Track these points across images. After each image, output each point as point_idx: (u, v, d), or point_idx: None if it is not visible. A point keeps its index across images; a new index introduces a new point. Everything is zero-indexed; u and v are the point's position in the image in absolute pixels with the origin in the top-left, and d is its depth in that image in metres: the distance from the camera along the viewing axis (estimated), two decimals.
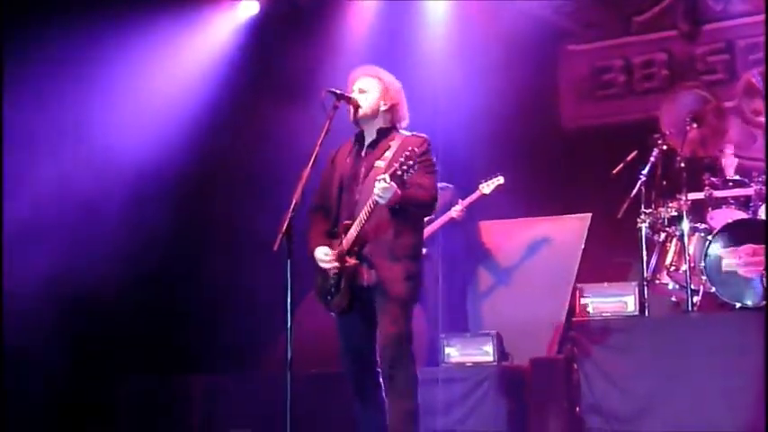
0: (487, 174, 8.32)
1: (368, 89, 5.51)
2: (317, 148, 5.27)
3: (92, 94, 8.16)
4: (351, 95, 5.49)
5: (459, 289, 8.88)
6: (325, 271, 5.42)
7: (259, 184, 8.77)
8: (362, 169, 5.44)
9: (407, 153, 5.09)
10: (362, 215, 5.26)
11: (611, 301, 7.19)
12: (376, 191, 5.12)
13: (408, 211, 5.30)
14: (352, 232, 5.31)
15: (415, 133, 5.50)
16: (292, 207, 5.11)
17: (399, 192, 5.14)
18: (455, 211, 8.25)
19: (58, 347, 7.86)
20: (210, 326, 8.70)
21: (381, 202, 5.15)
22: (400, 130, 5.54)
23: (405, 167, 5.07)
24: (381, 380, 5.38)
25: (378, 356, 5.37)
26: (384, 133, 5.51)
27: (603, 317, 7.11)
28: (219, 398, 8.05)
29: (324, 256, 5.39)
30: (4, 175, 7.72)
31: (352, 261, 5.32)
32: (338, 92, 5.44)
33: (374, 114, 5.51)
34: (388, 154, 5.36)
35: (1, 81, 7.69)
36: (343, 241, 5.35)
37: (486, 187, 8.24)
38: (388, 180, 5.07)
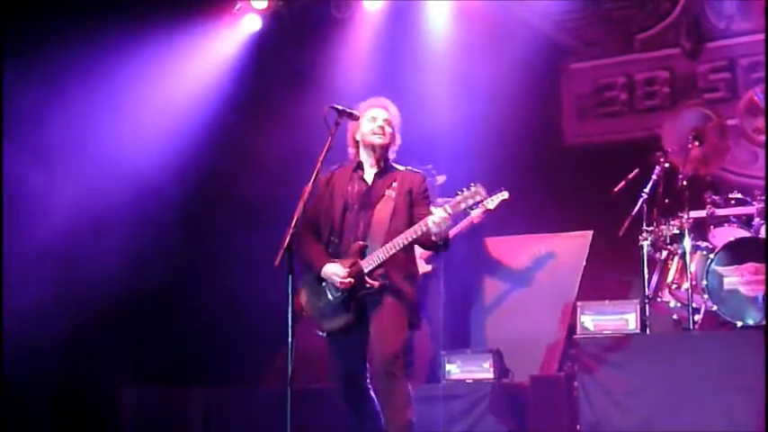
0: (489, 190, 8.29)
1: (391, 122, 5.64)
2: (319, 165, 5.29)
3: (94, 109, 8.17)
4: (354, 111, 5.51)
5: (460, 305, 8.87)
6: (320, 290, 5.46)
7: (261, 200, 8.77)
8: (372, 196, 5.54)
9: (474, 194, 5.25)
10: (400, 242, 5.35)
11: (612, 319, 7.17)
12: (435, 219, 5.23)
13: (441, 248, 5.53)
14: (380, 256, 5.38)
15: (410, 168, 5.67)
16: (293, 223, 5.13)
17: (450, 232, 5.43)
18: (476, 214, 8.21)
19: (59, 360, 7.86)
20: (212, 339, 8.69)
21: (435, 230, 5.26)
22: (397, 166, 5.69)
23: (472, 204, 5.28)
24: (374, 393, 5.47)
25: (371, 371, 5.45)
26: (389, 164, 5.66)
27: (604, 334, 7.10)
28: (220, 411, 8.04)
29: (340, 271, 5.41)
30: (7, 189, 7.74)
31: (375, 284, 5.39)
32: (340, 108, 5.46)
33: (389, 147, 5.66)
34: (396, 184, 5.53)
35: (2, 94, 7.72)
36: (362, 263, 5.40)
37: (491, 202, 8.21)
38: (449, 211, 5.22)
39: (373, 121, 5.57)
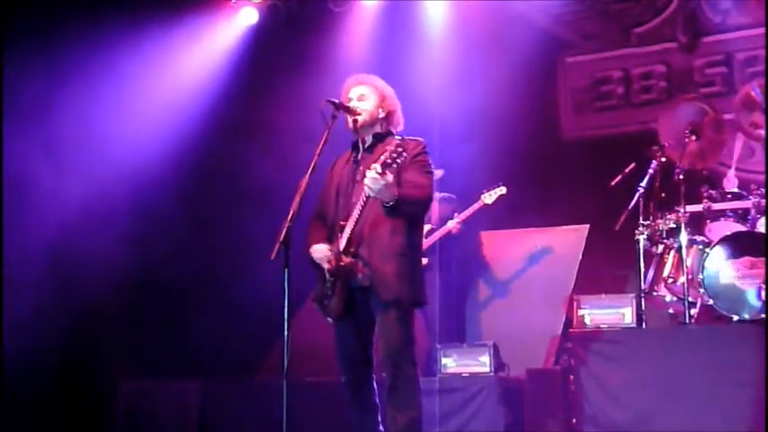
0: (486, 184, 8.33)
1: (366, 96, 5.52)
2: (316, 158, 5.28)
3: (94, 101, 8.16)
4: (350, 105, 5.49)
5: (456, 298, 8.88)
6: (323, 276, 5.43)
7: (260, 192, 8.76)
8: (359, 173, 5.43)
9: (397, 144, 5.04)
10: (356, 212, 5.25)
11: (609, 313, 7.18)
12: (366, 181, 5.07)
13: (402, 210, 5.24)
14: (347, 231, 5.30)
15: (411, 137, 5.49)
16: (290, 216, 5.11)
17: (393, 185, 5.10)
18: (452, 224, 8.26)
19: (57, 352, 7.85)
20: (209, 332, 8.69)
21: (371, 193, 5.10)
22: (395, 135, 5.53)
23: (394, 155, 5.02)
24: (375, 385, 5.42)
25: (380, 364, 5.37)
26: (380, 138, 5.53)
27: (600, 328, 7.11)
28: (216, 404, 8.04)
29: (318, 248, 5.40)
30: (7, 180, 7.74)
31: (347, 260, 5.29)
32: (337, 101, 5.45)
33: (373, 122, 5.52)
34: (383, 157, 5.33)
35: (1, 89, 7.72)
36: (339, 241, 5.34)
37: (489, 197, 8.25)
38: (378, 169, 5.03)
39: (348, 102, 5.51)
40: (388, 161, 5.02)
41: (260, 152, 9.07)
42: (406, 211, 5.28)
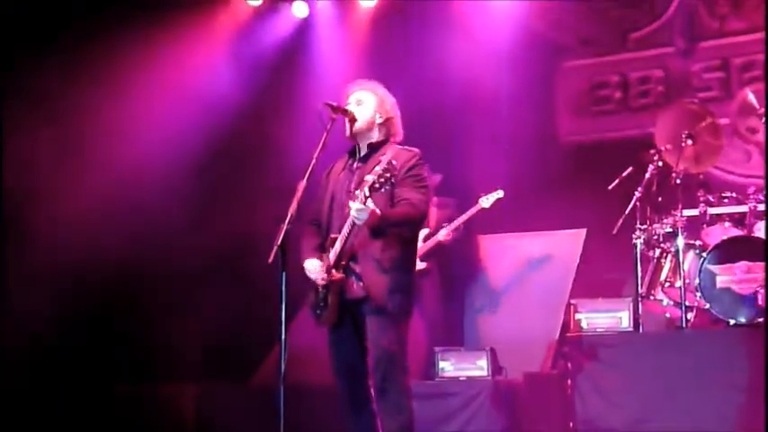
0: (484, 188, 8.33)
1: (364, 101, 5.51)
2: (314, 161, 5.27)
3: (101, 99, 8.18)
4: (347, 108, 5.49)
5: (454, 302, 8.88)
6: (316, 285, 5.43)
7: (259, 196, 8.77)
8: (353, 183, 5.38)
9: (386, 166, 5.02)
10: (344, 231, 5.23)
11: (606, 317, 7.19)
12: (351, 212, 5.08)
13: (394, 231, 5.23)
14: (337, 246, 5.29)
15: (406, 147, 5.47)
16: (288, 220, 5.11)
17: (378, 213, 5.09)
18: (442, 236, 8.26)
19: (49, 356, 7.85)
20: (205, 336, 8.69)
21: (358, 222, 5.11)
22: (393, 145, 5.50)
23: (382, 179, 5.01)
24: (373, 392, 5.37)
25: (370, 370, 5.35)
26: (376, 147, 5.47)
27: (598, 332, 7.12)
28: (212, 408, 8.05)
29: (311, 267, 5.37)
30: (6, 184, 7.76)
31: (337, 275, 5.29)
32: (335, 105, 5.43)
33: (369, 127, 5.48)
34: (378, 168, 5.21)
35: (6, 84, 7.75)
36: (330, 255, 5.34)
37: (486, 201, 8.26)
38: (363, 197, 5.01)
39: (346, 106, 5.50)
40: (376, 185, 5.01)
41: (259, 155, 9.07)
42: (398, 231, 5.28)
